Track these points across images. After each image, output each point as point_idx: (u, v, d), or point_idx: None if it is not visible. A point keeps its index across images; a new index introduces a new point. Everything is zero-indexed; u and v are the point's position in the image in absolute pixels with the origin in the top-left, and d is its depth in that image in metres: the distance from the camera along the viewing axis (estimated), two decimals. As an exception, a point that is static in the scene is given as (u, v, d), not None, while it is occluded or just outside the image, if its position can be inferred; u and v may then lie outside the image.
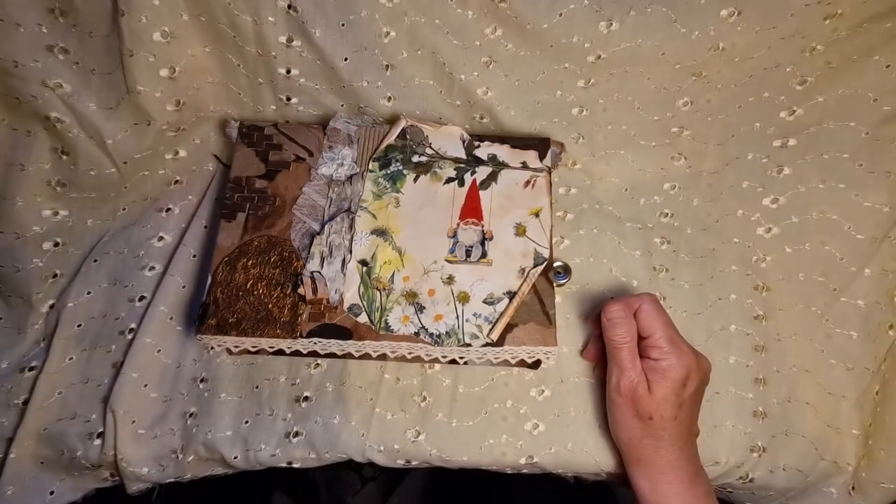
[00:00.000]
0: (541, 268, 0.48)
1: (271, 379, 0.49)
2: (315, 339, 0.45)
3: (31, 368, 0.48)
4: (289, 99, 0.55)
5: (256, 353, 0.49)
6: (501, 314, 0.46)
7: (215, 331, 0.44)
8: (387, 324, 0.46)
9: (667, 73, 0.53)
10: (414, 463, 0.48)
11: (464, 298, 0.47)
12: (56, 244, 0.51)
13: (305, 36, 0.49)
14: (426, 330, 0.46)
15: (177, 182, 0.56)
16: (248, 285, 0.46)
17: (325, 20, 0.49)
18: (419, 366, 0.50)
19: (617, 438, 0.45)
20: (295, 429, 0.47)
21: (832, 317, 0.52)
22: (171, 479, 0.47)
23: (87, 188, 0.51)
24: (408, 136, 0.53)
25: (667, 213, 0.57)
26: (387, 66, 0.52)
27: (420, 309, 0.47)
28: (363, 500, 0.86)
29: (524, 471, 0.49)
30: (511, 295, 0.47)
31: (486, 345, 0.46)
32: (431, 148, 0.53)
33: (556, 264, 0.53)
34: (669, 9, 0.49)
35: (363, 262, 0.48)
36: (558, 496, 0.59)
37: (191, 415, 0.47)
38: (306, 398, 0.48)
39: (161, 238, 0.54)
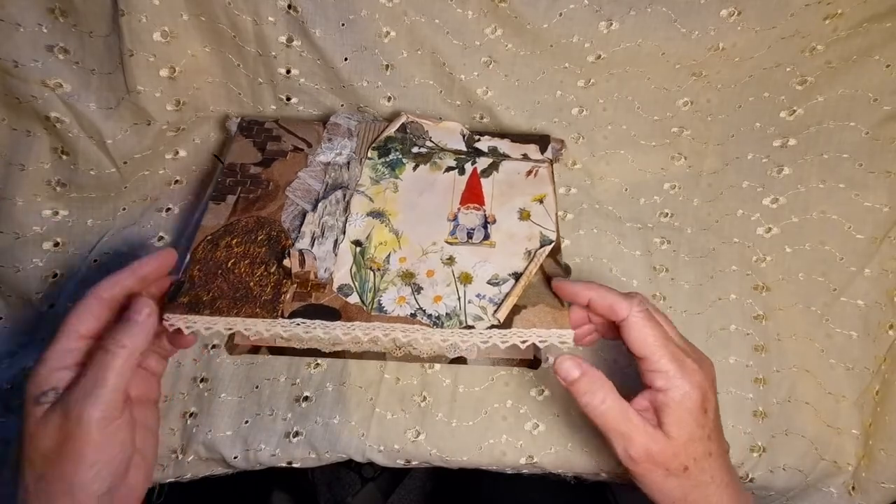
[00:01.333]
0: (548, 248, 0.44)
1: (271, 379, 0.49)
2: (298, 320, 0.40)
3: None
4: (289, 99, 0.54)
5: (256, 352, 0.49)
6: (508, 294, 0.42)
7: (186, 310, 0.39)
8: (380, 304, 0.41)
9: (667, 73, 0.53)
10: (414, 463, 0.48)
11: (466, 279, 0.43)
12: (56, 244, 0.51)
13: (305, 36, 0.49)
14: (424, 311, 0.41)
15: (177, 182, 0.56)
16: (230, 263, 0.42)
17: (325, 20, 0.49)
18: (419, 366, 0.50)
19: None
20: (295, 429, 0.47)
21: (832, 317, 0.52)
22: (171, 479, 0.47)
23: (87, 188, 0.51)
24: (408, 131, 0.53)
25: (667, 213, 0.57)
26: (387, 66, 0.52)
27: (417, 290, 0.43)
28: (363, 500, 0.86)
29: (524, 471, 0.49)
30: (517, 276, 0.43)
31: (492, 327, 0.41)
32: (431, 141, 0.52)
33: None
34: (669, 9, 0.49)
35: (357, 243, 0.44)
36: (558, 496, 0.59)
37: (191, 415, 0.47)
38: (306, 398, 0.48)
39: (161, 238, 0.54)
